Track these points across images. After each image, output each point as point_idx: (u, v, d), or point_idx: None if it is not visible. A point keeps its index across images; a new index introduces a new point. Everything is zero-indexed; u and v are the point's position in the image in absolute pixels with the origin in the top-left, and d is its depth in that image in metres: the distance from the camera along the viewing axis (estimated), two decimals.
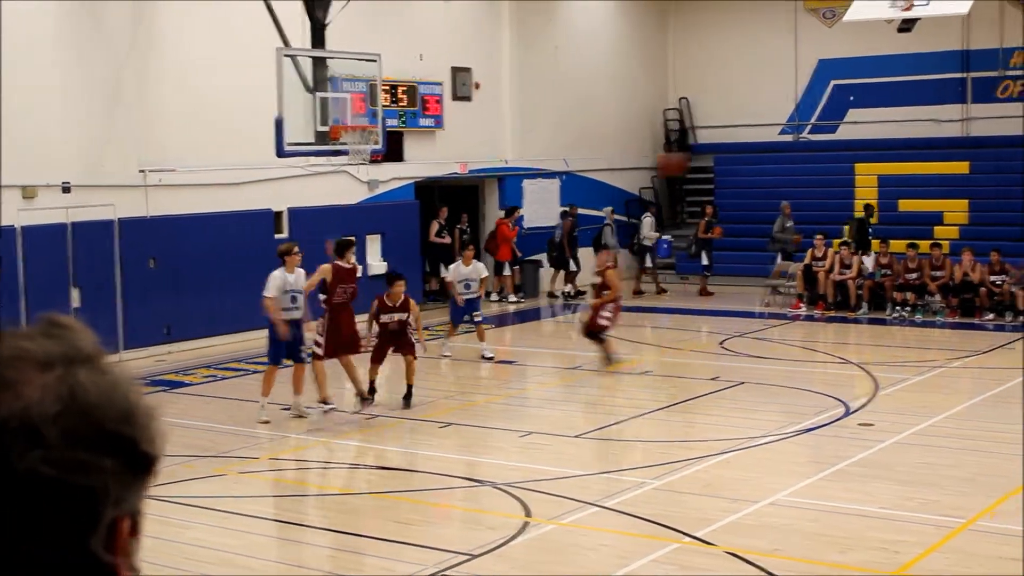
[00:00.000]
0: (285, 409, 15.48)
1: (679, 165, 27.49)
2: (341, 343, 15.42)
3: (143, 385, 1.37)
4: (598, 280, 18.92)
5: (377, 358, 15.88)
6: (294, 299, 15.15)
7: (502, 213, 27.45)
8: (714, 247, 28.14)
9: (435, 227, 26.07)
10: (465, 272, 19.32)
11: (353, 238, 16.64)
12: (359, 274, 16.30)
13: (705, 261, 28.06)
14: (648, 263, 28.69)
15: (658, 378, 18.85)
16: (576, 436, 14.73)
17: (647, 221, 29.11)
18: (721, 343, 21.38)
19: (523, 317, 25.30)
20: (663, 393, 17.45)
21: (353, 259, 15.96)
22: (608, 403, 16.53)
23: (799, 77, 31.83)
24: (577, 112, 29.74)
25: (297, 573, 10.25)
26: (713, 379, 17.76)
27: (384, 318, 15.69)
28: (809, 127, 31.97)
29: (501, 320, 24.31)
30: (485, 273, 20.06)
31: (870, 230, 26.19)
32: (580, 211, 28.35)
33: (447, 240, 25.97)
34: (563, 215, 28.20)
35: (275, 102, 18.02)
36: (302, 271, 15.32)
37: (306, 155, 20.31)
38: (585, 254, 26.96)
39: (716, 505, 11.32)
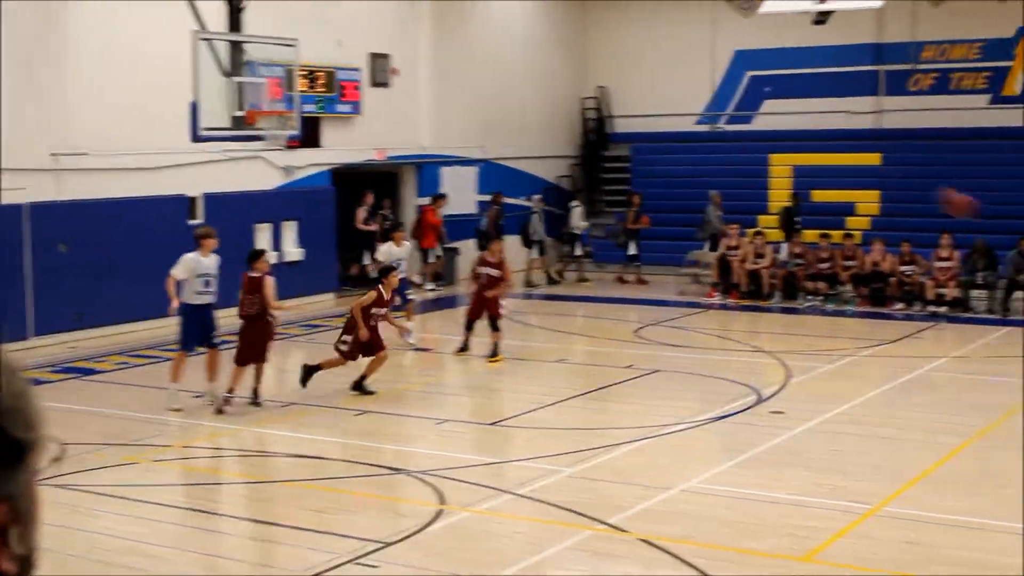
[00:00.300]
0: (198, 396, 15.34)
1: (966, 208, 24.78)
2: (250, 352, 15.20)
3: (36, 370, 1.35)
4: (495, 272, 18.48)
5: (352, 356, 15.78)
6: (207, 283, 15.00)
7: (423, 200, 27.37)
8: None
9: (361, 214, 25.86)
10: (398, 253, 19.26)
11: (263, 249, 16.36)
12: (272, 280, 15.23)
13: (632, 251, 28.24)
14: (578, 251, 28.88)
15: (574, 366, 18.96)
16: (491, 424, 14.80)
17: (577, 211, 29.28)
18: (636, 331, 21.55)
19: (441, 304, 25.28)
20: (578, 381, 17.54)
21: (265, 267, 15.29)
22: (523, 391, 16.58)
23: (716, 67, 32.11)
24: (495, 99, 29.74)
25: (210, 562, 10.18)
26: (628, 367, 17.89)
27: (375, 311, 15.64)
28: (725, 117, 32.26)
29: (420, 307, 24.25)
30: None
31: (797, 219, 26.52)
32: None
33: (374, 227, 25.74)
34: (487, 204, 28.14)
35: (191, 86, 17.80)
36: (217, 257, 15.17)
37: (222, 140, 20.11)
38: (512, 242, 26.61)
39: (629, 492, 11.42)
